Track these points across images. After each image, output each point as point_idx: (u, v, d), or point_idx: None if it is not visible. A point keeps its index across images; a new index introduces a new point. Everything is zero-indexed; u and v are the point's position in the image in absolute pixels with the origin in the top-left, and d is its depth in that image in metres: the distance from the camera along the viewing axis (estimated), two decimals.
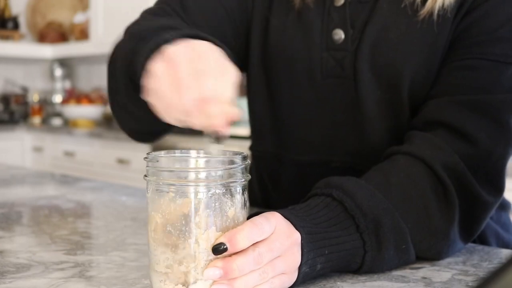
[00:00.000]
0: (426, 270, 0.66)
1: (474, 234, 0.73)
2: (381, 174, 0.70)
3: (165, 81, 0.56)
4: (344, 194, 0.64)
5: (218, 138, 0.55)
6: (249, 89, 0.94)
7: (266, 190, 0.96)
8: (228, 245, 0.52)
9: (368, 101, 0.81)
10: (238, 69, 0.94)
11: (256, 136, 0.97)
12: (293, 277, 0.57)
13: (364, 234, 0.62)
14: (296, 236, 0.57)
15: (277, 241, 0.55)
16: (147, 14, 0.84)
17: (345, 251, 0.61)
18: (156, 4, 0.86)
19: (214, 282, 0.52)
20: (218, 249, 0.52)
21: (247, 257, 0.52)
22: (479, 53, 0.75)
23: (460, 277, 0.63)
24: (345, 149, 0.85)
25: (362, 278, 0.63)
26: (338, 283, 0.61)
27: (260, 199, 0.98)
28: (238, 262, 0.52)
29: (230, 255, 0.53)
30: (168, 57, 0.57)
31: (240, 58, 0.92)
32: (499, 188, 0.73)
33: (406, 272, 0.65)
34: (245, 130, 2.56)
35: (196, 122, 0.55)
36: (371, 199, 0.65)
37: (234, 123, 0.57)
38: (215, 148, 0.56)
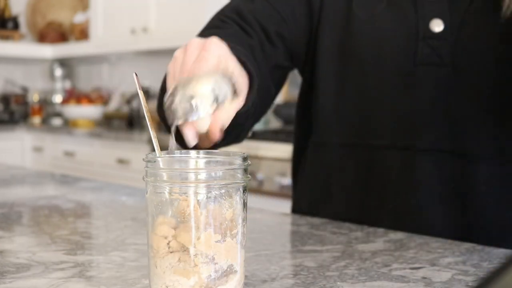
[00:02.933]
0: (426, 270, 0.66)
1: None
2: None
3: (178, 62, 0.64)
4: None
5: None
6: (313, 83, 0.97)
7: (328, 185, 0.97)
8: None
9: (468, 86, 0.85)
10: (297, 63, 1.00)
11: (320, 128, 0.98)
12: None
13: None
14: None
15: None
16: (207, 29, 0.91)
17: None
18: (215, 16, 0.94)
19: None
20: None
21: None
22: None
23: (460, 277, 0.63)
24: (430, 133, 0.88)
25: (362, 278, 0.63)
26: (338, 283, 0.61)
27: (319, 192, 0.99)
28: None
29: None
30: (186, 45, 0.66)
31: (298, 57, 0.97)
32: None
33: (406, 272, 0.65)
34: None
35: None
36: None
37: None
38: (173, 143, 0.58)
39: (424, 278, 0.63)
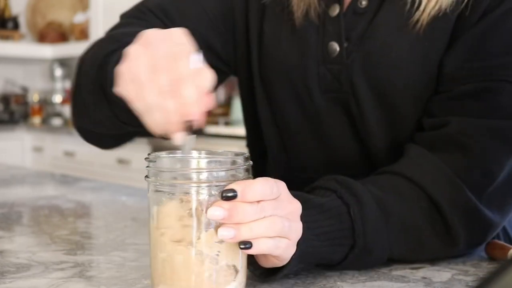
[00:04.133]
0: (426, 270, 0.66)
1: (478, 247, 0.73)
2: (382, 205, 0.66)
3: (141, 62, 0.53)
4: (361, 218, 0.63)
5: (192, 129, 0.53)
6: (252, 100, 0.90)
7: None
8: (239, 193, 0.51)
9: (368, 116, 0.78)
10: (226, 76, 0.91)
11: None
12: (294, 247, 0.56)
13: (352, 254, 0.63)
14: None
15: (283, 203, 0.54)
16: (126, 18, 0.83)
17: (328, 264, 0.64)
18: (135, 7, 0.84)
19: (219, 225, 0.52)
20: (227, 196, 0.51)
21: (255, 206, 0.51)
22: (503, 75, 0.71)
23: (460, 277, 0.64)
24: (345, 162, 0.82)
25: (362, 278, 0.63)
26: (338, 283, 0.61)
27: None
28: (245, 207, 0.51)
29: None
30: (143, 40, 0.56)
31: (229, 66, 0.89)
32: (507, 209, 0.72)
33: (406, 272, 0.65)
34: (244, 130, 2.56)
35: (169, 106, 0.52)
36: (377, 233, 0.64)
37: (209, 113, 0.54)
38: (188, 144, 0.54)
39: (424, 278, 0.63)
